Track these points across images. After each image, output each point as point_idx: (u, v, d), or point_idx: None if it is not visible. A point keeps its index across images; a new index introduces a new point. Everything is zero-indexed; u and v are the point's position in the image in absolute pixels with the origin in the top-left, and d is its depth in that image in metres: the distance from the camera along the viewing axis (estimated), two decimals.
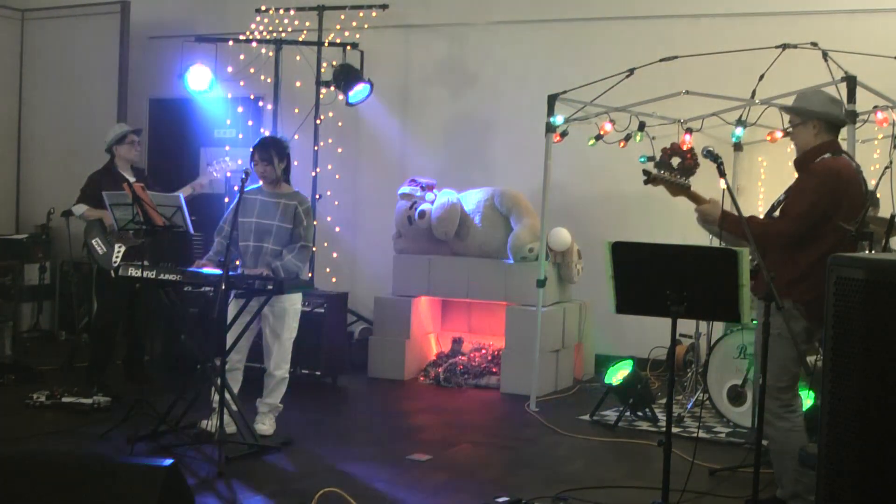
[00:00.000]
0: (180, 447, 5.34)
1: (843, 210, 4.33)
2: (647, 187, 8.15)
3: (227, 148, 8.91)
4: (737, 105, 6.93)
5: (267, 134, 8.00)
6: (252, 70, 8.73)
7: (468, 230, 7.79)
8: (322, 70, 8.35)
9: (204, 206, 7.81)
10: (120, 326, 7.02)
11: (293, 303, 5.77)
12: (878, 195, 5.36)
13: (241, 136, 8.92)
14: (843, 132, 5.72)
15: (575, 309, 7.94)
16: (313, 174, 8.31)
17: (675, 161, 7.63)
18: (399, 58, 9.08)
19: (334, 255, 8.94)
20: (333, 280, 8.87)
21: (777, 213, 4.53)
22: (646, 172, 4.54)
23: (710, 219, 4.49)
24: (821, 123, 4.47)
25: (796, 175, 4.57)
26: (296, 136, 8.25)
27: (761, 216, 4.73)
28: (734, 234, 4.38)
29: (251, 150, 5.81)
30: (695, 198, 4.57)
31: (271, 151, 5.77)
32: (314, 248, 8.18)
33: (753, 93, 6.40)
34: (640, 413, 6.44)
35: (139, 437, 5.37)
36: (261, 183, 5.85)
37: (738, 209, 4.20)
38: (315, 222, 8.19)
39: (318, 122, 8.38)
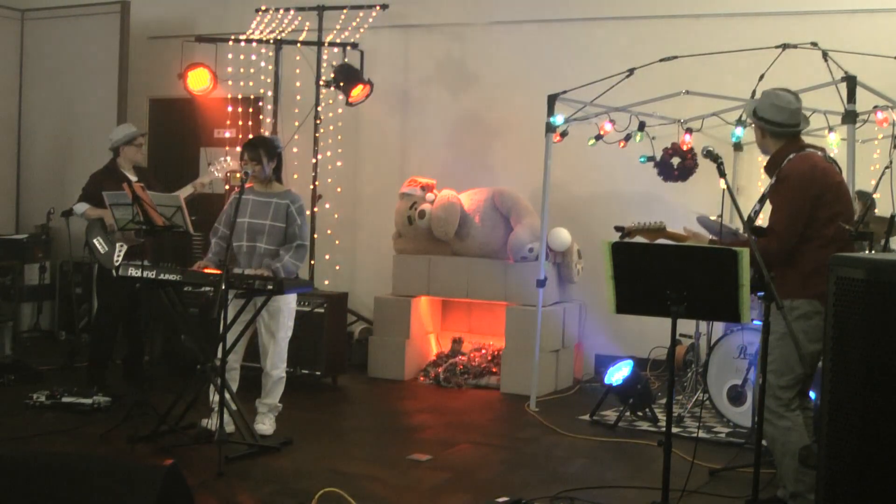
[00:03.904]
0: (180, 447, 5.34)
1: (828, 204, 4.33)
2: (647, 187, 8.20)
3: (226, 148, 8.92)
4: (737, 105, 6.93)
5: (266, 133, 8.01)
6: (252, 70, 8.73)
7: (468, 230, 7.79)
8: (322, 70, 8.35)
9: (204, 206, 7.81)
10: (120, 326, 7.02)
11: (287, 302, 5.76)
12: (877, 195, 5.36)
13: (241, 136, 8.92)
14: (844, 132, 5.75)
15: (575, 309, 7.94)
16: (313, 174, 8.32)
17: (675, 161, 7.64)
18: (399, 58, 9.08)
19: (334, 254, 8.94)
20: (333, 280, 8.87)
21: (758, 221, 4.53)
22: (618, 228, 4.61)
23: None
24: (765, 129, 4.50)
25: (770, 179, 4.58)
26: (296, 136, 8.25)
27: (760, 217, 4.73)
28: None
29: (241, 150, 5.81)
30: (674, 237, 4.60)
31: (260, 151, 5.76)
32: (313, 249, 8.22)
33: (753, 93, 6.38)
34: (640, 413, 6.44)
35: (139, 437, 5.37)
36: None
37: (738, 209, 4.20)
38: (313, 222, 8.22)
39: (317, 122, 8.39)
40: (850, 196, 4.57)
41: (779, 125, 4.47)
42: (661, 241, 4.71)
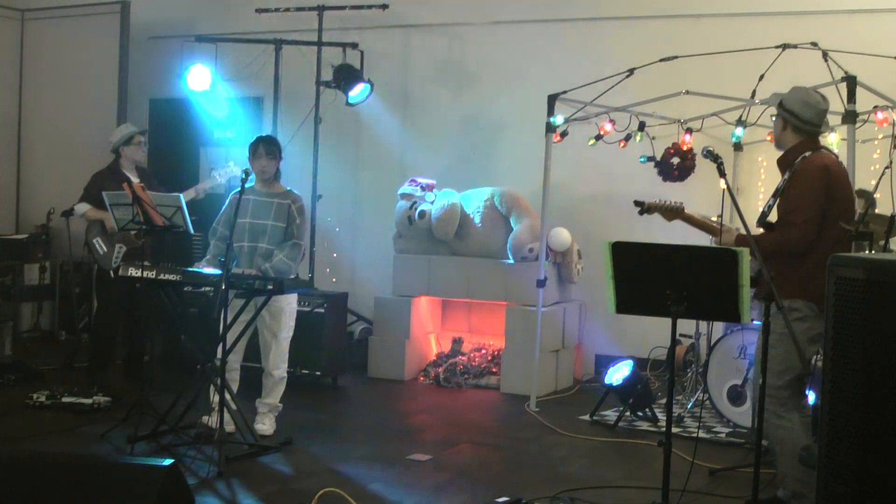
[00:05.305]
0: (180, 447, 5.34)
1: (838, 202, 4.36)
2: (647, 187, 8.17)
3: (237, 156, 8.90)
4: (737, 105, 6.93)
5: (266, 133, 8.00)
6: (252, 70, 8.72)
7: (468, 230, 7.79)
8: (322, 70, 8.35)
9: (204, 206, 7.80)
10: (120, 326, 7.02)
11: (289, 302, 5.77)
12: (878, 195, 5.37)
13: (241, 136, 8.91)
14: (844, 132, 5.74)
15: (575, 309, 7.94)
16: (313, 174, 8.31)
17: (676, 161, 7.64)
18: (399, 58, 9.08)
19: (334, 255, 8.94)
20: (333, 280, 8.87)
21: (770, 217, 4.53)
22: (638, 203, 4.59)
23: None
24: (788, 122, 4.50)
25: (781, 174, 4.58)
26: (295, 136, 8.24)
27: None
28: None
29: (255, 144, 5.81)
30: (692, 220, 4.60)
31: (274, 147, 5.81)
32: (313, 249, 8.22)
33: (753, 93, 6.40)
34: (640, 413, 6.44)
35: (139, 437, 5.37)
36: (253, 183, 5.83)
37: (738, 209, 4.20)
38: (313, 222, 8.21)
39: (318, 122, 8.38)
40: (853, 198, 4.58)
41: (803, 121, 4.48)
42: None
